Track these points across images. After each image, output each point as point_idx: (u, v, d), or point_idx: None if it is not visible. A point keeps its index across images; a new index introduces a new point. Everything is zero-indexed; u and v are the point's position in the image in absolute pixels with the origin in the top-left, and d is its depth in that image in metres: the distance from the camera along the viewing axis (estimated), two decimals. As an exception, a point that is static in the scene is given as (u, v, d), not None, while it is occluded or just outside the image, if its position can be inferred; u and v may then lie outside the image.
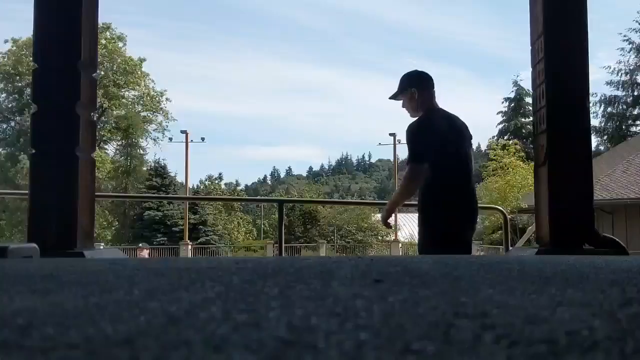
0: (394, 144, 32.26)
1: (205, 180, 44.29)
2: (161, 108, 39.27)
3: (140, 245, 17.93)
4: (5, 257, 2.18)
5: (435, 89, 3.38)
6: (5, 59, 37.12)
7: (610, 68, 35.83)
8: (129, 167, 36.36)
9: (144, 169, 37.25)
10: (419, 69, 3.46)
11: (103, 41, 35.54)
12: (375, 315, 0.74)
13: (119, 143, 38.00)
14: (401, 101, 3.39)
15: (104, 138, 37.04)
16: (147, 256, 15.76)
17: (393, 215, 3.21)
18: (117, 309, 0.79)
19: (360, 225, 34.32)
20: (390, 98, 3.44)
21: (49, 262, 1.86)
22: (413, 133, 3.23)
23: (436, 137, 3.15)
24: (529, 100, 39.61)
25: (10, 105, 38.61)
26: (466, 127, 3.38)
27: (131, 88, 38.58)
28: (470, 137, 3.39)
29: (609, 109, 36.18)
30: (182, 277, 1.24)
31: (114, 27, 37.65)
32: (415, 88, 3.31)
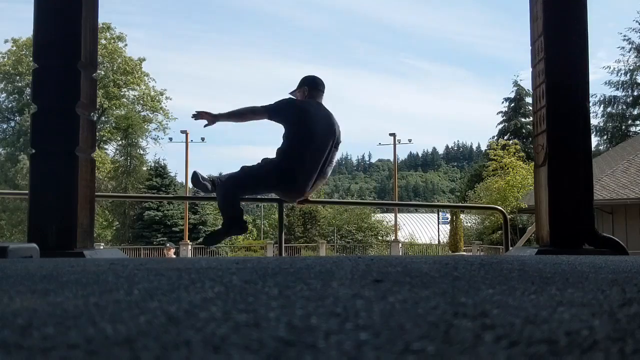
0: (394, 144, 32.24)
1: (205, 180, 44.18)
2: (161, 107, 39.32)
3: (168, 244, 18.03)
4: (5, 257, 2.18)
5: (326, 92, 4.17)
6: (5, 59, 37.14)
7: (609, 68, 35.89)
8: (129, 167, 36.34)
9: (144, 169, 37.22)
10: (316, 75, 4.23)
11: (103, 41, 35.58)
12: (375, 315, 0.74)
13: (119, 143, 38.02)
14: (297, 95, 4.14)
15: (104, 138, 37.06)
16: (173, 255, 15.80)
17: (216, 124, 4.05)
18: (117, 309, 0.79)
19: (360, 225, 34.32)
20: (290, 93, 4.17)
21: (49, 262, 1.86)
22: (285, 100, 4.03)
23: (296, 115, 3.93)
24: (529, 100, 39.63)
25: (10, 105, 38.64)
26: (332, 125, 4.03)
27: (131, 88, 38.61)
28: (334, 134, 4.03)
29: (609, 109, 36.19)
30: (182, 277, 1.23)
31: (113, 27, 37.69)
32: (307, 87, 4.09)
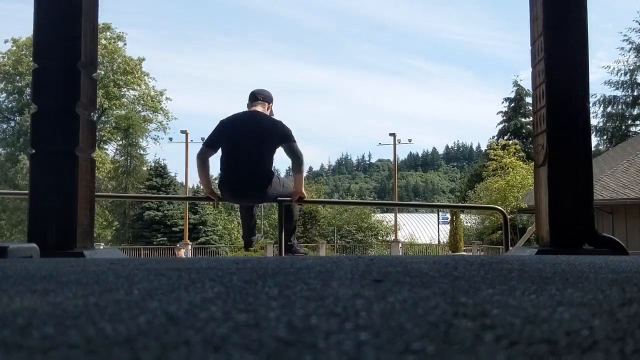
0: (394, 144, 32.25)
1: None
2: (161, 107, 39.33)
3: (178, 245, 18.91)
4: (5, 257, 2.18)
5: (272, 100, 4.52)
6: (5, 59, 37.15)
7: (609, 68, 35.90)
8: (129, 167, 36.34)
9: (144, 169, 37.23)
10: (258, 87, 4.57)
11: (103, 41, 35.59)
12: (375, 315, 0.74)
13: (119, 143, 38.04)
14: None
15: (104, 138, 37.07)
16: (183, 256, 16.46)
17: None
18: (117, 309, 0.79)
19: (360, 225, 34.32)
20: None
21: (49, 262, 1.86)
22: (217, 125, 4.37)
23: (224, 131, 4.28)
24: (529, 100, 39.66)
25: (10, 105, 38.65)
26: (261, 126, 4.27)
27: (131, 88, 38.63)
28: (266, 132, 4.23)
29: (609, 109, 36.21)
30: (182, 277, 1.23)
31: (113, 27, 37.70)
32: (248, 102, 4.45)
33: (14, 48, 36.83)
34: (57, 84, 2.75)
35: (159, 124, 39.58)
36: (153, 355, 0.53)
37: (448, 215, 31.85)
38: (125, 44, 38.54)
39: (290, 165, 4.42)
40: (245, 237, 4.84)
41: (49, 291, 1.00)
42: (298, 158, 4.25)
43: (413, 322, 0.69)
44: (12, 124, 38.57)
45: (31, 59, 2.87)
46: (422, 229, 40.48)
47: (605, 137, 36.47)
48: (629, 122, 36.78)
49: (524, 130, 41.19)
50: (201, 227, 33.89)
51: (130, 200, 33.75)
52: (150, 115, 39.53)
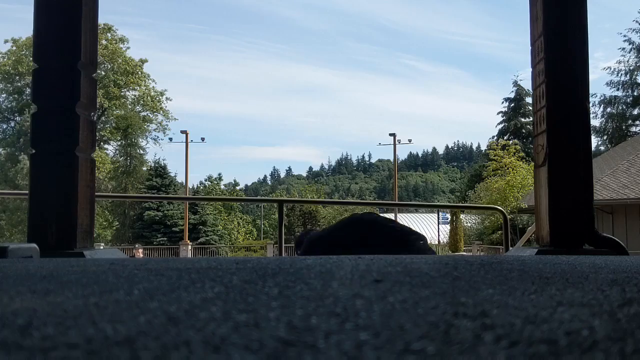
0: (394, 144, 32.26)
1: (205, 180, 44.42)
2: (161, 108, 39.38)
3: (137, 245, 19.39)
4: (5, 257, 2.18)
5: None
6: (5, 59, 37.18)
7: (610, 69, 35.95)
8: (129, 167, 36.38)
9: (144, 169, 37.28)
10: None
11: (104, 41, 35.62)
12: (375, 315, 0.74)
13: (119, 143, 38.08)
14: None
15: (104, 138, 37.11)
16: (142, 256, 16.73)
17: None
18: (117, 309, 0.79)
19: (360, 225, 34.25)
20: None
21: (49, 262, 1.85)
22: None
23: None
24: (529, 100, 39.71)
25: (10, 105, 38.69)
26: None
27: (132, 88, 38.67)
28: None
29: (609, 109, 36.26)
30: (182, 277, 1.23)
31: (115, 29, 37.75)
32: None
33: (14, 48, 36.86)
34: (57, 84, 2.75)
35: (158, 124, 39.66)
36: (153, 355, 0.53)
37: (448, 215, 31.87)
38: (128, 48, 38.62)
39: None
40: None
41: (49, 291, 1.00)
42: None
43: (413, 322, 0.69)
44: (12, 124, 38.59)
45: (31, 59, 2.87)
46: (422, 229, 40.49)
47: (605, 137, 36.53)
48: (629, 122, 36.82)
49: (524, 130, 41.24)
50: (201, 227, 33.91)
51: (130, 200, 33.79)
52: (150, 115, 39.58)
